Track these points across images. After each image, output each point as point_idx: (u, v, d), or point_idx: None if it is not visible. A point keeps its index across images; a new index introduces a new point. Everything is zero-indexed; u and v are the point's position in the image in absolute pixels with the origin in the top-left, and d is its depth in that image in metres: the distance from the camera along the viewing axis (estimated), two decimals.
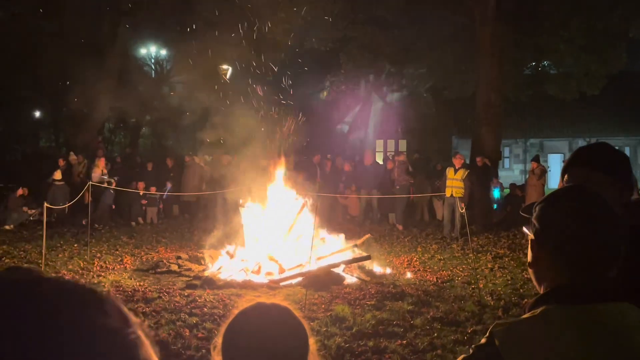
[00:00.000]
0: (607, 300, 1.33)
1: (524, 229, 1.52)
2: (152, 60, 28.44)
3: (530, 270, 1.49)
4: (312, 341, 1.34)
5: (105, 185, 14.36)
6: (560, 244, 1.38)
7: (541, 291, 1.43)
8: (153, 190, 15.43)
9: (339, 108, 26.62)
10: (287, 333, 1.31)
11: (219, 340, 1.32)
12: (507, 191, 18.46)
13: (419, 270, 10.03)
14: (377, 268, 9.85)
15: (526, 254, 1.53)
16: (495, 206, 16.85)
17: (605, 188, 1.84)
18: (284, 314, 1.34)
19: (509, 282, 8.93)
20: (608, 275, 1.37)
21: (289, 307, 1.37)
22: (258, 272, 9.19)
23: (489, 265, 10.30)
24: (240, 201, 10.60)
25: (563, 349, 1.27)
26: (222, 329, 1.34)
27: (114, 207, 14.97)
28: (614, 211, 1.39)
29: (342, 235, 10.65)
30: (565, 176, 2.11)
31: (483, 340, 1.37)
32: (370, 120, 28.00)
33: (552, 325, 1.30)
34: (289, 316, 1.34)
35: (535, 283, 1.48)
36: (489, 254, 11.39)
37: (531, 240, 1.47)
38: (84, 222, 13.53)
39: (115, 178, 15.36)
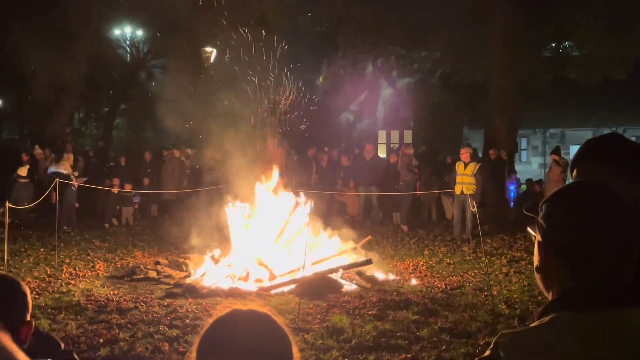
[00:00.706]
0: (622, 306, 1.33)
1: (529, 229, 1.52)
2: (128, 43, 28.32)
3: (537, 275, 1.49)
4: (295, 349, 1.34)
5: (70, 181, 14.28)
6: (569, 245, 1.38)
7: (550, 298, 1.43)
8: (128, 187, 15.40)
9: (341, 94, 26.59)
10: (268, 341, 1.30)
11: (193, 354, 1.32)
12: (524, 187, 18.51)
13: (425, 275, 10.06)
14: (378, 274, 9.87)
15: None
16: (511, 204, 16.89)
17: (615, 182, 1.85)
18: (263, 321, 1.34)
19: (526, 288, 8.95)
20: (623, 279, 1.37)
21: (268, 312, 1.36)
22: (246, 278, 9.19)
23: (504, 270, 10.32)
24: (227, 200, 10.59)
25: None
26: (196, 341, 1.33)
27: (77, 205, 14.86)
28: (627, 208, 1.39)
29: (340, 237, 10.66)
30: (574, 171, 2.12)
31: (487, 352, 1.37)
32: (378, 109, 27.96)
33: (562, 334, 1.31)
34: (268, 322, 1.34)
35: (543, 289, 1.48)
36: (503, 257, 11.42)
37: (538, 242, 1.47)
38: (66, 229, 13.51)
39: (85, 179, 15.28)
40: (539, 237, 1.46)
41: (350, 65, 25.78)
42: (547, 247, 1.44)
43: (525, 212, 1.55)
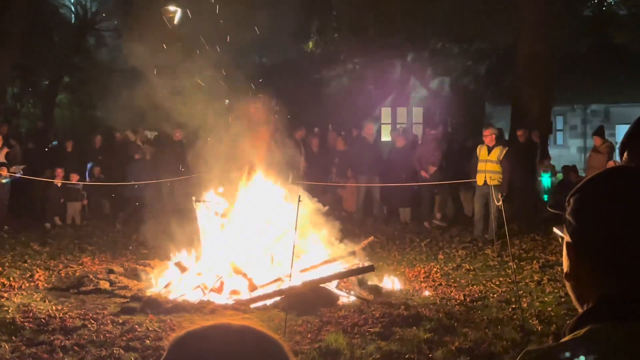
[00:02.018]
0: None
1: (556, 230, 1.51)
2: (72, 1, 28.17)
3: (568, 284, 1.48)
4: None
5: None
6: (606, 245, 1.37)
7: (583, 309, 1.42)
8: (75, 179, 15.32)
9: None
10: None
11: None
12: (559, 176, 18.57)
13: (440, 285, 10.09)
14: (383, 283, 9.89)
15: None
16: (545, 197, 16.95)
17: None
18: (255, 337, 1.27)
19: (563, 300, 8.98)
20: None
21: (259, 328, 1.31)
22: (220, 290, 9.20)
23: (536, 278, 10.36)
24: (195, 194, 10.57)
25: None
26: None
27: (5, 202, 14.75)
28: None
29: (335, 239, 10.66)
30: (625, 154, 2.11)
31: None
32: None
33: (601, 349, 1.29)
34: (262, 338, 1.27)
35: (574, 300, 1.47)
36: (535, 261, 11.46)
37: (567, 243, 1.45)
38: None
39: (22, 167, 15.18)
40: (567, 238, 1.45)
41: (347, 29, 25.70)
42: (578, 249, 1.42)
43: (550, 210, 1.53)
